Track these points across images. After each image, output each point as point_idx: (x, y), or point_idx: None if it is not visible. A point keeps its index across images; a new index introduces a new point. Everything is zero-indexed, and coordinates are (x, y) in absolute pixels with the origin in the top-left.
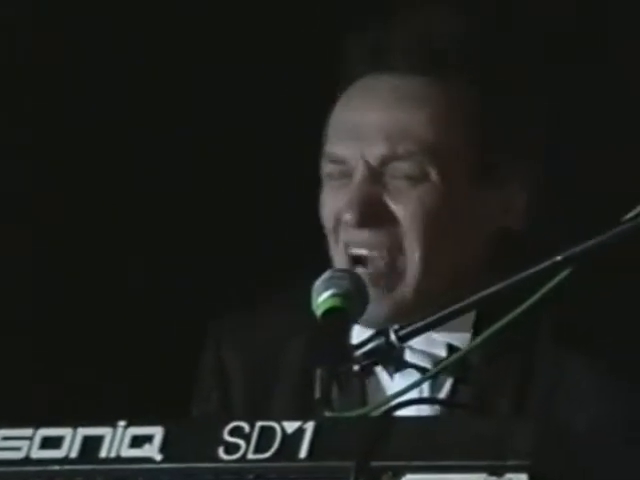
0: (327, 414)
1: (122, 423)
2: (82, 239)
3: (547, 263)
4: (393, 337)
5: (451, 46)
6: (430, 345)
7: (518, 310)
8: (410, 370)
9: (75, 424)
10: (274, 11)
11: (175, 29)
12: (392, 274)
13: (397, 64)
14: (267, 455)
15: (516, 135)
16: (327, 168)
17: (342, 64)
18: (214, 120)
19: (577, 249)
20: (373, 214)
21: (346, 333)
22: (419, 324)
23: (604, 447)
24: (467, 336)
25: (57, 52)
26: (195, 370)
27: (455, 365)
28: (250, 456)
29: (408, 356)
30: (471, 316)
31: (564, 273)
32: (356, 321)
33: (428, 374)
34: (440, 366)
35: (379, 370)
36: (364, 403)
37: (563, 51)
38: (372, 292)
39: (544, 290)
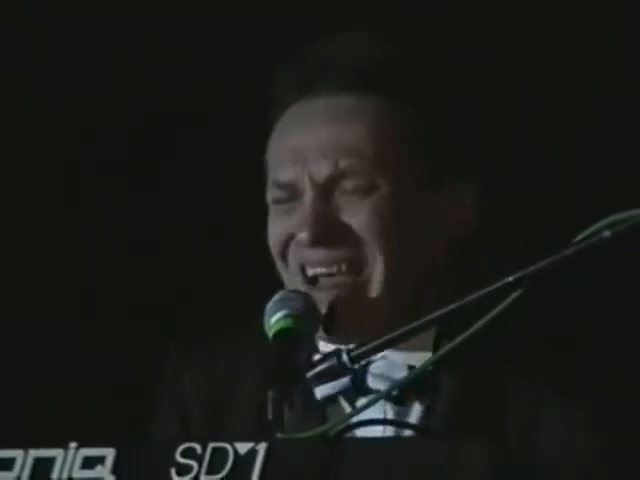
0: (279, 435)
1: (74, 444)
2: (32, 256)
3: (499, 284)
4: (345, 358)
5: (371, 64)
6: (390, 369)
7: (471, 330)
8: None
9: (26, 446)
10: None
11: None
12: (357, 285)
13: (325, 87)
14: (219, 476)
15: (462, 140)
16: (274, 194)
17: (272, 94)
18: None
19: (528, 270)
20: (328, 232)
21: (298, 353)
22: (372, 344)
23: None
24: (428, 355)
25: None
26: (148, 390)
27: (420, 387)
28: (202, 477)
29: (370, 382)
30: (431, 334)
31: (516, 294)
32: (308, 340)
33: (380, 394)
34: (394, 385)
35: (342, 398)
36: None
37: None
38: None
39: (496, 311)
